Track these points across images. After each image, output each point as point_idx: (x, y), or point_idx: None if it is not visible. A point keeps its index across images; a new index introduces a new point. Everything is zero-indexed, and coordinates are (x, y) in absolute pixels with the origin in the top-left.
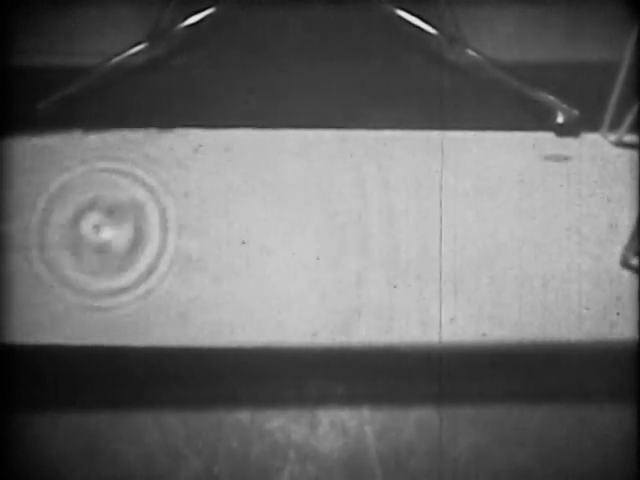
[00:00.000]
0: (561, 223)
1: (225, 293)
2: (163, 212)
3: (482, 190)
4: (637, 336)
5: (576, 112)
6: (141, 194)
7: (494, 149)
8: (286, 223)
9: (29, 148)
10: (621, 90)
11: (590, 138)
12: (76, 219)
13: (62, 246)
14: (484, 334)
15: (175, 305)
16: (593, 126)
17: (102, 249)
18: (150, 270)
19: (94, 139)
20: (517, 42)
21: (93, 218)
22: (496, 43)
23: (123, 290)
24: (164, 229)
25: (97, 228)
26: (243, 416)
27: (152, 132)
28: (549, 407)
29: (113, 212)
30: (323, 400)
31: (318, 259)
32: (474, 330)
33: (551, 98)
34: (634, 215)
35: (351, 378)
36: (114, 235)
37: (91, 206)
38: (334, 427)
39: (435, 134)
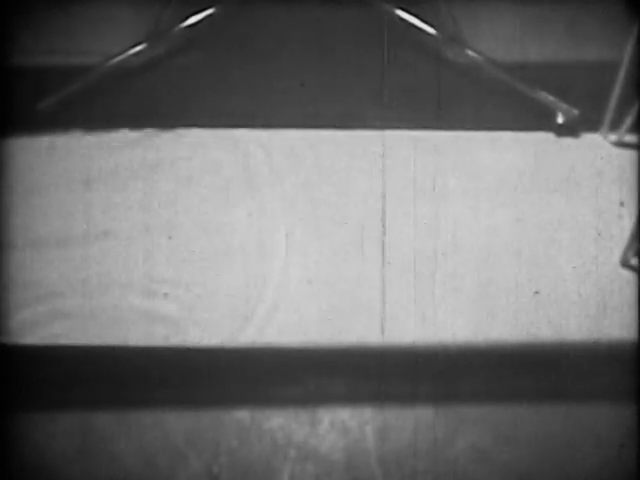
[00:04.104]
0: (560, 223)
1: (225, 293)
2: (163, 212)
3: (480, 190)
4: (637, 336)
5: (576, 112)
6: (138, 194)
7: (493, 149)
8: (285, 223)
9: (29, 148)
10: (621, 90)
11: (590, 138)
12: (75, 219)
13: (61, 245)
14: (483, 334)
15: (175, 305)
16: (593, 126)
17: (97, 250)
18: (151, 271)
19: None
20: (516, 42)
21: (89, 220)
22: (495, 42)
23: (125, 290)
24: (167, 230)
25: (93, 229)
26: (243, 416)
27: (151, 132)
28: (548, 407)
29: (112, 213)
30: (323, 400)
31: (317, 259)
32: (473, 330)
33: (551, 98)
34: (634, 215)
35: (351, 378)
36: (109, 235)
37: (89, 207)
38: (334, 426)
39: (433, 134)
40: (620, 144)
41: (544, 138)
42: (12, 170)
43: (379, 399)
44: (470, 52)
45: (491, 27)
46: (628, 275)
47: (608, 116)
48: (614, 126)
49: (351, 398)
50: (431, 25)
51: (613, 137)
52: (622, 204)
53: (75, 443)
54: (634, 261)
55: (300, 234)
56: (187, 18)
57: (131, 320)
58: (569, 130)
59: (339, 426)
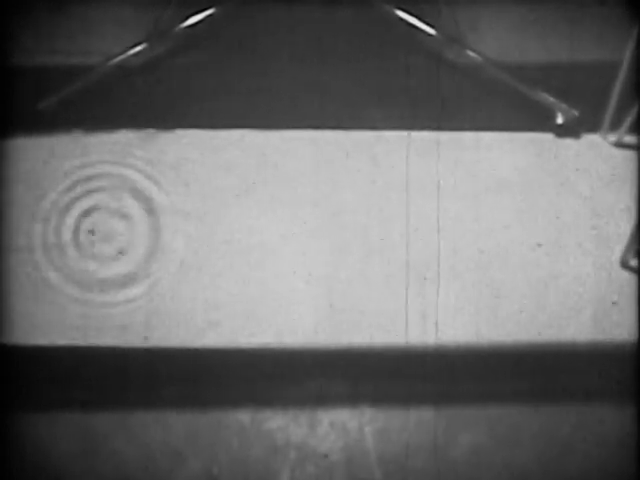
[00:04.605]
0: (561, 223)
1: (225, 293)
2: (164, 213)
3: (481, 190)
4: (637, 336)
5: (576, 113)
6: (140, 196)
7: (493, 149)
8: (286, 223)
9: (29, 148)
10: (621, 90)
11: (590, 139)
12: (75, 220)
13: (61, 246)
14: (483, 334)
15: (175, 305)
16: (593, 127)
17: (98, 250)
18: (153, 270)
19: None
20: (517, 42)
21: (91, 220)
22: (495, 43)
23: (127, 299)
24: (168, 230)
25: (93, 231)
26: (243, 416)
27: (152, 132)
28: (548, 407)
29: (113, 214)
30: (323, 400)
31: (318, 259)
32: (473, 330)
33: (551, 98)
34: (634, 216)
35: (351, 378)
36: (110, 236)
37: (89, 208)
38: (334, 427)
39: (434, 134)
40: (620, 145)
41: (544, 138)
42: (12, 170)
43: (379, 399)
44: (470, 53)
45: (491, 28)
46: (628, 275)
47: (608, 117)
48: (614, 127)
49: (351, 399)
50: (431, 26)
51: (613, 138)
52: (622, 205)
53: (75, 443)
54: (634, 262)
55: (299, 234)
56: (187, 19)
57: (130, 321)
58: (569, 131)
59: (338, 427)
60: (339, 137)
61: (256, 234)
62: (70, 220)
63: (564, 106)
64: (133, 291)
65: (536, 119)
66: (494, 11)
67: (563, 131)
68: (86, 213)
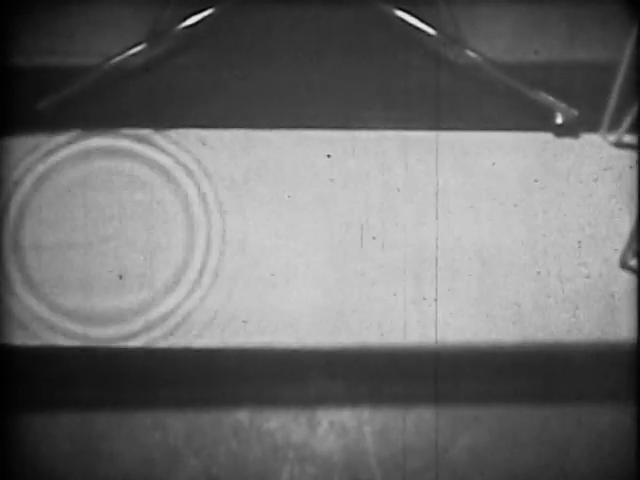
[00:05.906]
0: (560, 223)
1: (225, 293)
2: (165, 213)
3: (480, 191)
4: (636, 336)
5: (575, 112)
6: (140, 195)
7: (493, 150)
8: (286, 223)
9: (29, 148)
10: (621, 90)
11: (589, 138)
12: (75, 221)
13: (60, 245)
14: (482, 334)
15: (175, 306)
16: (592, 127)
17: (99, 252)
18: (151, 271)
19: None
20: (516, 42)
21: (91, 220)
22: (495, 43)
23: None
24: (166, 229)
25: (95, 229)
26: (242, 416)
27: (151, 133)
28: (548, 407)
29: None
30: (322, 400)
31: (317, 259)
32: (472, 330)
33: (550, 98)
34: (634, 216)
35: (350, 378)
36: (109, 237)
37: (89, 208)
38: (333, 427)
39: (433, 134)
40: (619, 144)
41: (543, 138)
42: (12, 170)
43: (378, 400)
44: (470, 52)
45: (491, 27)
46: (628, 276)
47: (607, 116)
48: (613, 126)
49: (350, 399)
50: (431, 26)
51: (612, 137)
52: (621, 205)
53: (75, 443)
54: (633, 262)
55: (299, 233)
56: (186, 18)
57: (130, 319)
58: (568, 130)
59: (338, 427)
60: (339, 137)
61: (256, 234)
62: (70, 221)
63: (564, 106)
64: (132, 293)
65: (536, 119)
66: (494, 11)
67: (563, 131)
68: (85, 214)
